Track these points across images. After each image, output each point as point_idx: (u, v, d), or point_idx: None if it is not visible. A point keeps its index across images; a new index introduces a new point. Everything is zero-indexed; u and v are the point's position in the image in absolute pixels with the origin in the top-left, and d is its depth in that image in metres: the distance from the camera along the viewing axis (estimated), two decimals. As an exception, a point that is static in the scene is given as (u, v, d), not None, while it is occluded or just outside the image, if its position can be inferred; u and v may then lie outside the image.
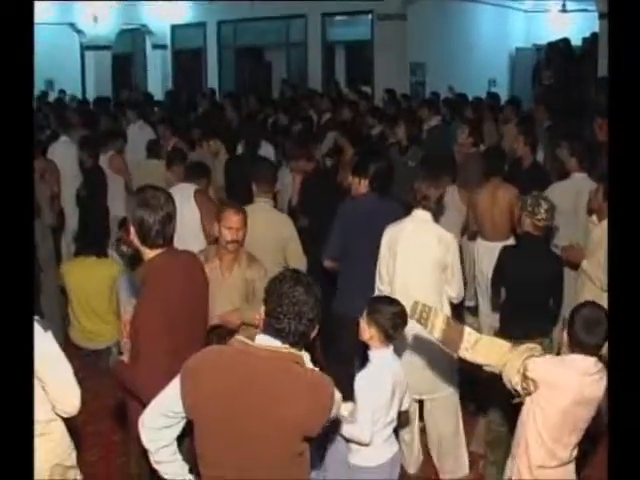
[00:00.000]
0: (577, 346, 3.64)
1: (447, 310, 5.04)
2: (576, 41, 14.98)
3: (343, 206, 5.82)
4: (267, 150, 8.97)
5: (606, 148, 8.66)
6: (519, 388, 3.65)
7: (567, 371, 3.63)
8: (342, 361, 5.32)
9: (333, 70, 17.28)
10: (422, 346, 4.96)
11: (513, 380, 3.65)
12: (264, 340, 2.92)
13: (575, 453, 3.80)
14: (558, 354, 3.91)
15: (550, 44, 15.09)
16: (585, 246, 6.12)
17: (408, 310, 3.91)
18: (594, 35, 13.57)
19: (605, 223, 5.85)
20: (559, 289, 5.32)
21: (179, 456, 3.14)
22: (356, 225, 5.61)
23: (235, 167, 8.11)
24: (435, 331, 3.81)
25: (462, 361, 4.03)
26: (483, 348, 3.74)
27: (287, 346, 2.90)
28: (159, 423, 3.02)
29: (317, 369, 3.01)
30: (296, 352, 2.92)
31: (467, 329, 3.79)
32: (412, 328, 4.80)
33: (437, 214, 5.19)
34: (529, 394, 3.65)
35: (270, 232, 5.73)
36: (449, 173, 7.00)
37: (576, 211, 6.71)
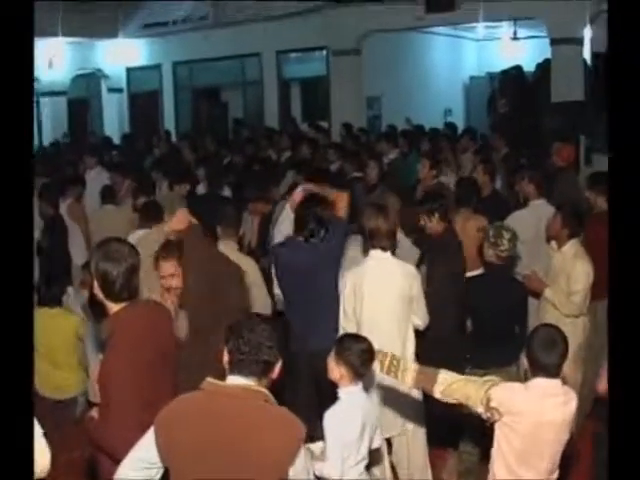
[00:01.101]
0: (537, 368, 3.72)
1: (411, 338, 5.20)
2: (529, 67, 15.24)
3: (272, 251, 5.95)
4: (225, 192, 9.05)
5: (564, 173, 8.92)
6: (485, 417, 3.74)
7: (527, 396, 3.70)
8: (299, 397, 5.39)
9: (290, 107, 17.42)
10: (385, 383, 5.01)
11: (478, 411, 3.74)
12: (233, 379, 3.03)
13: (554, 478, 3.86)
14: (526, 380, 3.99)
15: (503, 72, 15.30)
16: (546, 273, 6.25)
17: (376, 353, 3.98)
18: (546, 61, 13.84)
19: (566, 249, 6.01)
20: (524, 316, 5.44)
21: None
22: (289, 272, 5.62)
23: (198, 209, 8.13)
24: (406, 381, 3.90)
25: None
26: (459, 389, 3.79)
27: (255, 383, 3.01)
28: (136, 475, 3.05)
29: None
30: (265, 390, 3.02)
31: (441, 373, 3.84)
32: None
33: (393, 249, 5.29)
34: (494, 422, 3.74)
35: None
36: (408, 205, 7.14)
37: (537, 238, 6.82)
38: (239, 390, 3.00)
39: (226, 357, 3.07)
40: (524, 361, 3.82)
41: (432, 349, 5.22)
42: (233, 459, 2.89)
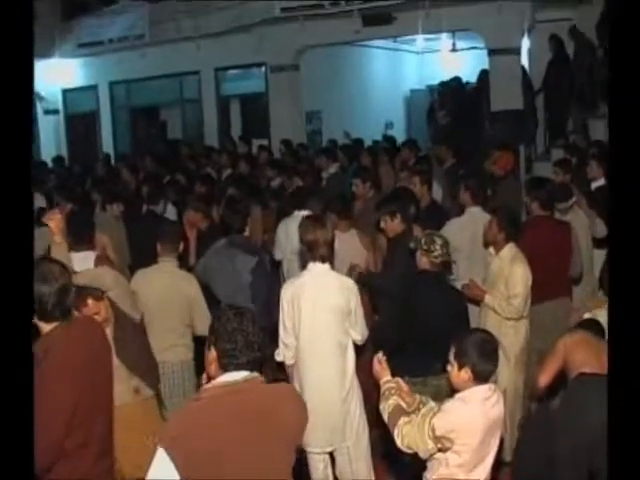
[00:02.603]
0: (476, 376, 3.77)
1: (351, 353, 5.27)
2: (470, 78, 15.49)
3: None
4: (170, 211, 9.04)
5: (504, 181, 9.10)
6: (436, 449, 3.79)
7: (469, 409, 3.75)
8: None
9: (229, 124, 17.39)
10: (327, 394, 5.16)
11: (429, 447, 3.77)
12: (231, 377, 3.16)
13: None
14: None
15: (442, 84, 15.54)
16: (485, 279, 6.36)
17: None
18: (484, 72, 14.09)
19: (503, 253, 6.13)
20: (464, 322, 5.49)
21: None
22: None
23: (138, 228, 8.15)
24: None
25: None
26: (410, 438, 3.84)
27: (250, 373, 3.17)
28: None
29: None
30: (258, 375, 3.21)
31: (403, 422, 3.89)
32: (319, 378, 5.11)
33: (330, 259, 5.33)
34: (448, 449, 3.77)
35: (173, 292, 5.82)
36: (344, 217, 7.22)
37: (474, 245, 6.93)
38: (243, 383, 3.14)
39: (213, 356, 3.19)
40: (455, 371, 3.85)
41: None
42: (260, 444, 3.05)
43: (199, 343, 5.52)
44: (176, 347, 5.88)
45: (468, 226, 7.04)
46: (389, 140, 14.17)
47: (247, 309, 3.35)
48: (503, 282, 6.07)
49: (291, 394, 3.38)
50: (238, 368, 3.16)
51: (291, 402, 3.25)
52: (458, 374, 3.82)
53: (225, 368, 3.17)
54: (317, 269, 5.23)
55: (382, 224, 6.51)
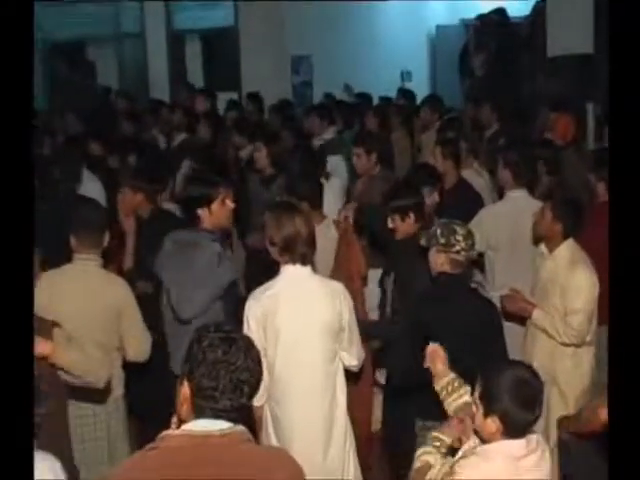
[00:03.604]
0: (507, 428, 3.75)
1: (342, 385, 5.38)
2: (518, 10, 15.45)
3: None
4: (93, 188, 8.93)
5: (561, 152, 9.05)
6: None
7: (490, 467, 3.74)
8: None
9: (184, 70, 17.31)
10: (309, 447, 5.24)
11: None
12: (204, 426, 3.17)
13: None
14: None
15: (480, 18, 15.47)
16: (533, 288, 6.33)
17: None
18: (540, 2, 14.04)
19: (559, 253, 6.10)
20: (498, 349, 5.48)
21: None
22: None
23: (48, 212, 8.01)
24: None
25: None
26: None
27: (231, 425, 3.18)
28: None
29: None
30: (243, 428, 3.21)
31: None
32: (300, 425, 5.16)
33: (312, 260, 5.41)
34: None
35: (93, 303, 5.77)
36: (316, 205, 7.30)
37: (517, 241, 6.99)
38: (220, 437, 3.14)
39: (187, 394, 3.22)
40: (480, 417, 3.84)
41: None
42: None
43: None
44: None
45: (508, 216, 7.11)
46: (405, 96, 14.19)
47: (241, 335, 3.38)
48: (559, 293, 6.04)
49: (285, 462, 3.38)
50: (217, 415, 3.17)
51: (284, 474, 3.25)
52: (484, 422, 3.81)
53: (199, 412, 3.19)
54: (296, 274, 5.30)
55: (390, 223, 6.57)
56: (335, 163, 9.60)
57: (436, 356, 4.54)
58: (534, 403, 3.77)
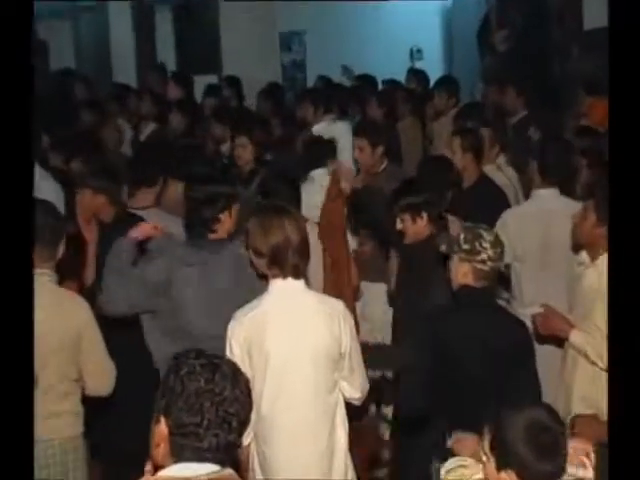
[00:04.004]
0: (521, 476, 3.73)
1: (343, 419, 5.37)
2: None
3: None
4: (47, 188, 8.77)
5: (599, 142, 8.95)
6: None
7: None
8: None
9: (154, 49, 17.17)
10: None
11: None
12: (186, 470, 3.12)
13: None
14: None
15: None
16: (571, 304, 6.25)
17: None
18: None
19: (605, 260, 5.93)
20: (525, 370, 5.43)
21: None
22: None
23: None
24: None
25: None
26: None
27: (217, 468, 3.14)
28: None
29: None
30: (232, 472, 3.20)
31: None
32: (292, 466, 5.20)
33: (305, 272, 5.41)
34: None
35: (50, 327, 5.64)
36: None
37: (548, 249, 6.94)
38: None
39: (163, 433, 3.19)
40: (490, 466, 3.83)
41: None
42: None
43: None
44: (56, 417, 5.76)
45: (537, 219, 7.07)
46: (416, 77, 14.19)
47: (226, 360, 3.41)
48: (602, 309, 5.86)
49: None
50: (201, 456, 3.13)
51: None
52: (498, 477, 3.80)
53: (179, 454, 3.15)
54: (287, 289, 5.28)
55: (399, 224, 6.59)
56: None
57: (462, 447, 4.47)
58: (555, 451, 3.75)
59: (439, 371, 5.33)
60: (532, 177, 7.30)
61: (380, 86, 13.76)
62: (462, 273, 5.46)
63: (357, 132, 9.09)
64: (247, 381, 3.27)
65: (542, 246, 6.97)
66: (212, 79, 15.09)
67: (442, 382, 5.31)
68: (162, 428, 3.18)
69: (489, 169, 8.64)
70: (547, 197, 7.15)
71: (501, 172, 8.91)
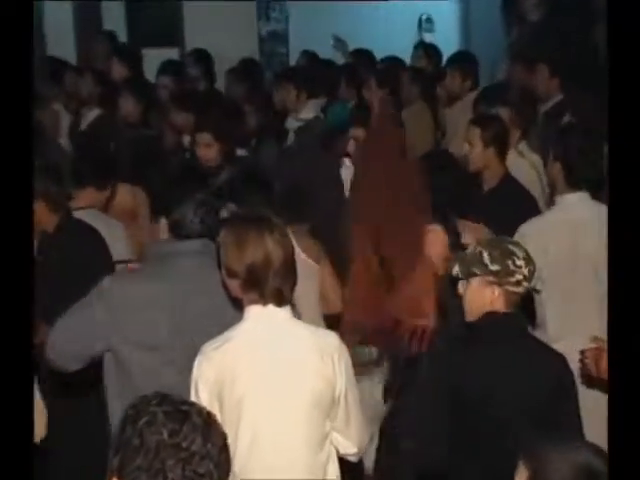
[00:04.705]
0: None
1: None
2: None
3: None
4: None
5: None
6: None
7: None
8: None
9: (99, 17, 17.20)
10: None
11: None
12: None
13: None
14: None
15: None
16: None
17: None
18: None
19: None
20: (565, 414, 5.53)
21: None
22: None
23: None
24: None
25: None
26: None
27: None
28: None
29: None
30: None
31: None
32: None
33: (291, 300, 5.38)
34: None
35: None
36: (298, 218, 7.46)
37: (575, 267, 7.04)
38: None
39: None
40: None
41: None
42: None
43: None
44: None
45: (561, 231, 7.13)
46: (425, 53, 14.21)
47: (197, 408, 3.30)
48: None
49: None
50: None
51: None
52: None
53: None
54: (267, 319, 5.22)
55: None
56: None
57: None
58: None
59: (457, 417, 5.37)
60: (552, 178, 7.41)
61: (380, 64, 13.65)
62: (490, 299, 5.48)
63: (352, 121, 9.20)
64: (224, 434, 3.23)
65: (571, 261, 7.01)
66: (171, 54, 15.15)
67: (463, 429, 5.37)
68: None
69: (509, 156, 8.57)
70: (577, 203, 7.17)
71: (524, 158, 9.02)
